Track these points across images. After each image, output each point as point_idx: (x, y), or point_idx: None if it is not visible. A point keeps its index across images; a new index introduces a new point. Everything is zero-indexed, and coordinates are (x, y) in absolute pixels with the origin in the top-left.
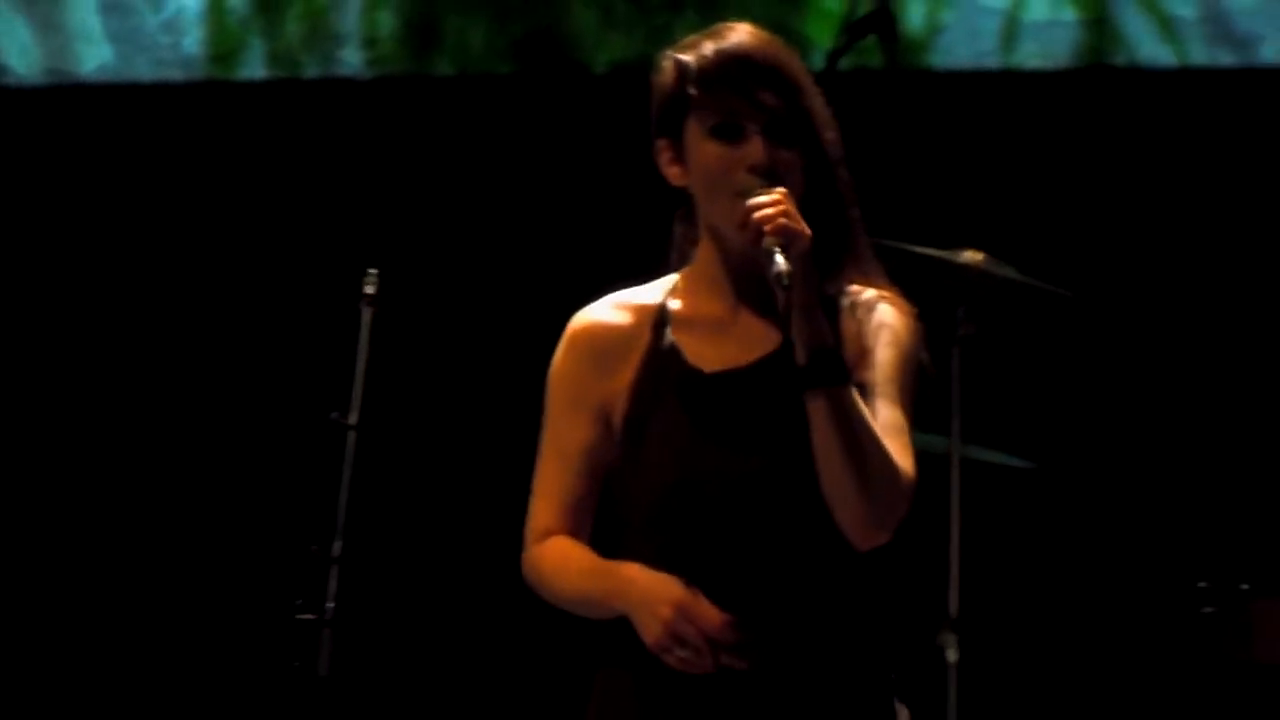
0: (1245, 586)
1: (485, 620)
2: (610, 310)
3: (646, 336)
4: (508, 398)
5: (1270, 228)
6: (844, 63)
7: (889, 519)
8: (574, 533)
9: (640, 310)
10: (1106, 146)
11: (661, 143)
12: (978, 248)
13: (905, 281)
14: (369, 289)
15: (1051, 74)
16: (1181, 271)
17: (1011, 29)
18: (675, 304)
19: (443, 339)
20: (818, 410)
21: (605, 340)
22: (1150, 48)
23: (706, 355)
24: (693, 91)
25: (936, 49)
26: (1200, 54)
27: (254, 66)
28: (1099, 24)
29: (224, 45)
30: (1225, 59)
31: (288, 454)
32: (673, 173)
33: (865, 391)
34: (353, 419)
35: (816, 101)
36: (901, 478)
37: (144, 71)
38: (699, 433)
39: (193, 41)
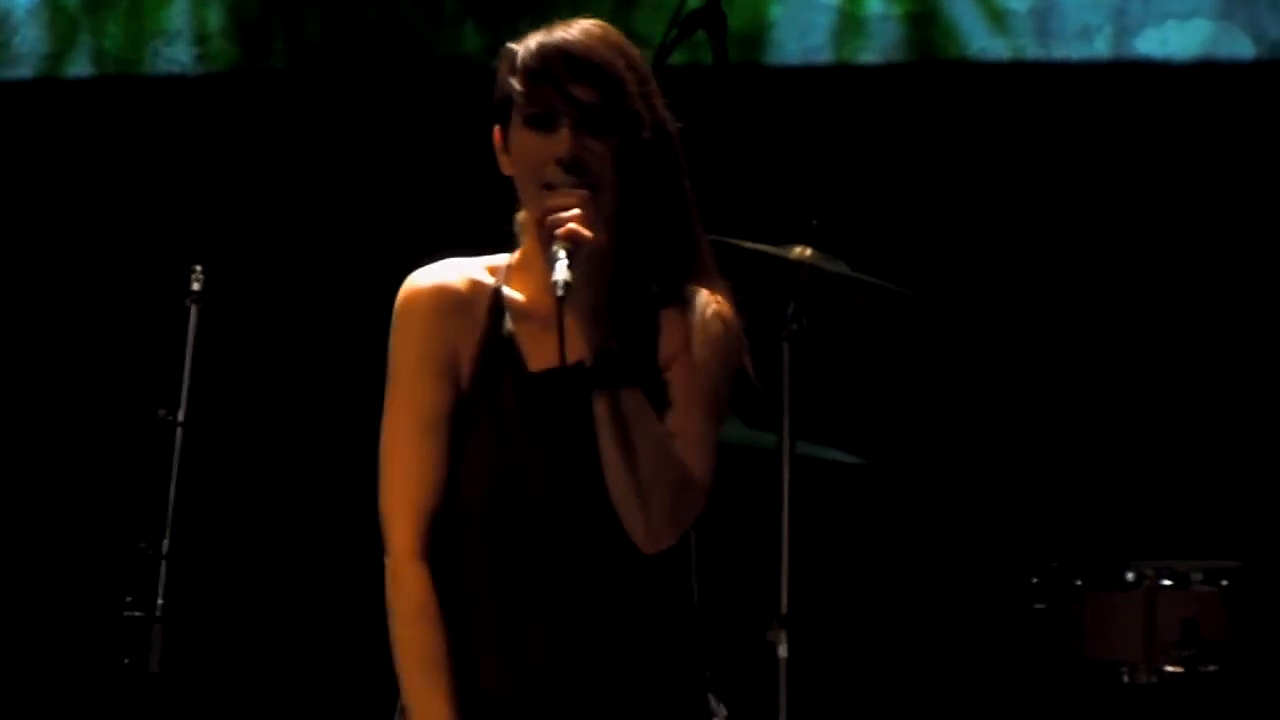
0: (1078, 582)
1: (314, 615)
2: (446, 274)
3: (483, 318)
4: (335, 393)
5: (1102, 220)
6: (676, 58)
7: (673, 523)
8: (432, 537)
9: (475, 285)
10: (938, 141)
11: (496, 131)
12: (808, 243)
13: (735, 276)
14: (195, 286)
15: (883, 68)
16: (1010, 266)
17: (843, 23)
18: (510, 291)
19: (269, 335)
20: (600, 413)
21: (447, 303)
22: (982, 41)
23: (536, 350)
24: (515, 83)
25: (768, 44)
26: (1032, 47)
27: (82, 64)
28: (930, 18)
29: (56, 43)
30: (1058, 52)
31: (116, 451)
32: (503, 161)
33: (672, 394)
34: (180, 416)
35: (641, 100)
36: (686, 484)
37: None
38: (524, 430)
39: (23, 40)
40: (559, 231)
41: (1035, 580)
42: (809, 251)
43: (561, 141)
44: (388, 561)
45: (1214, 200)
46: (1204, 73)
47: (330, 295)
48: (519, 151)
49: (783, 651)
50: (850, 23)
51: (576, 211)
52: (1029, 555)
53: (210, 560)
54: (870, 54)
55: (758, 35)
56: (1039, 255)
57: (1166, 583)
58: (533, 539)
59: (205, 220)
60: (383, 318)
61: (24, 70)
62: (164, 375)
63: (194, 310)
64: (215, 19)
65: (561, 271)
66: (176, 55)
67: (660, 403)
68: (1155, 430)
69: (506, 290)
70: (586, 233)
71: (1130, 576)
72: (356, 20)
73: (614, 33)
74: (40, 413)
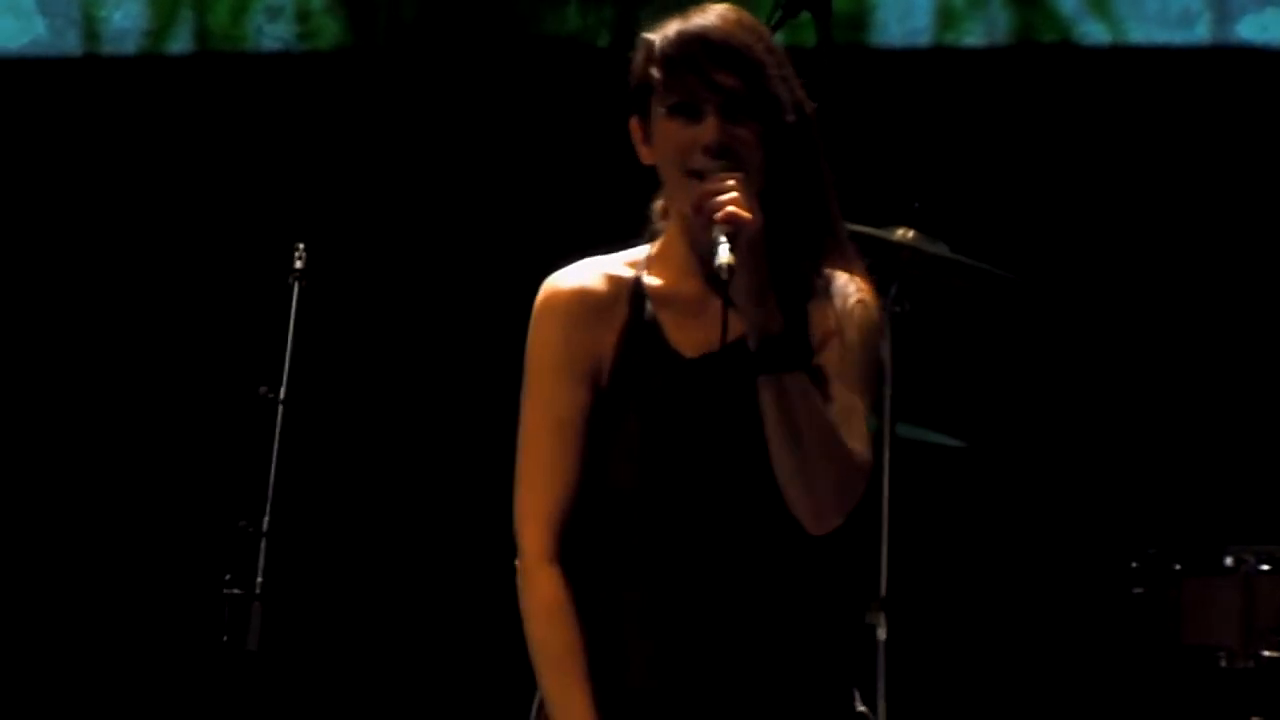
0: (1177, 567)
1: (414, 594)
2: (586, 276)
3: (624, 310)
4: (435, 371)
5: (1207, 207)
6: (779, 39)
7: (839, 503)
8: (568, 534)
9: (615, 280)
10: (1039, 124)
11: (633, 121)
12: (910, 225)
13: None
14: (297, 263)
15: (984, 51)
16: (1115, 250)
17: (945, 6)
18: (651, 279)
19: (371, 313)
20: (766, 396)
21: (586, 303)
22: (1083, 25)
23: (684, 337)
24: (654, 72)
25: (871, 26)
26: (1135, 32)
27: (184, 41)
28: (1032, 1)
29: (157, 19)
30: (1158, 37)
31: (217, 429)
32: (643, 152)
33: (827, 375)
34: (282, 394)
35: (781, 83)
36: (852, 462)
37: (74, 46)
38: (675, 416)
39: (125, 16)
40: (718, 215)
41: (1134, 565)
42: (911, 234)
43: (708, 129)
44: (519, 564)
45: None
46: None
47: (431, 274)
48: (663, 140)
49: (882, 634)
50: (952, 5)
51: (735, 195)
52: (1128, 540)
53: (310, 538)
54: (972, 37)
55: (861, 17)
56: (1139, 239)
57: (1265, 568)
58: (690, 527)
59: (307, 198)
60: (483, 296)
61: (126, 47)
62: (266, 353)
63: (296, 288)
64: None
65: (724, 254)
66: (279, 32)
67: (816, 384)
68: (1256, 415)
69: (647, 279)
70: (746, 215)
71: (1229, 561)
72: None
73: (748, 16)
74: (143, 390)
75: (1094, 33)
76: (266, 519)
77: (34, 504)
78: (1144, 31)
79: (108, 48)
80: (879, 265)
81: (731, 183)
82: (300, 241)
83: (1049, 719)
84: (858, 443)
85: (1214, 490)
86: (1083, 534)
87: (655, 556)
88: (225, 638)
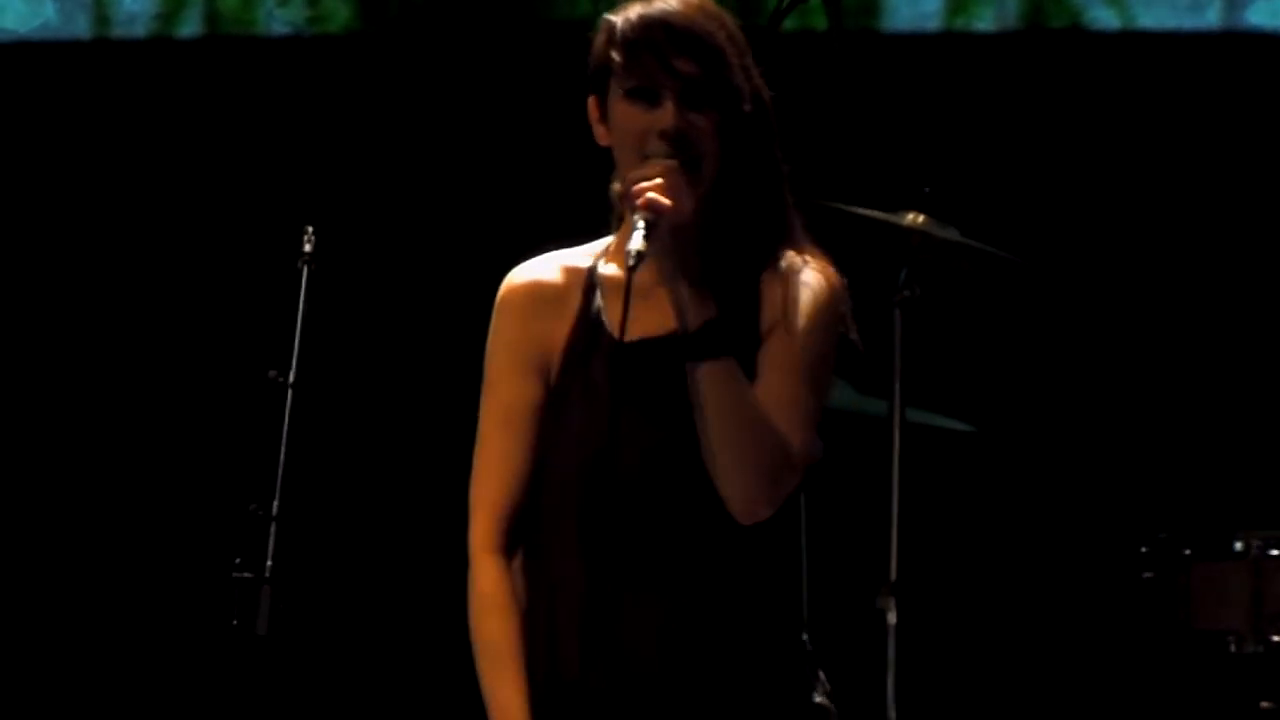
0: (1186, 552)
1: (424, 578)
2: (542, 269)
3: (577, 299)
4: (445, 354)
5: (1216, 193)
6: (788, 24)
7: (767, 494)
8: (516, 525)
9: (572, 271)
10: (1049, 110)
11: (591, 101)
12: (920, 210)
13: (847, 244)
14: (306, 247)
15: (994, 36)
16: (1125, 235)
17: None
18: (607, 268)
19: (380, 296)
20: (692, 383)
21: (539, 298)
22: (1093, 10)
23: (628, 325)
24: (614, 54)
25: (881, 11)
26: (1145, 17)
27: (194, 24)
28: None
29: (167, 3)
30: (1168, 22)
31: (226, 412)
32: (599, 132)
33: (769, 363)
34: (291, 377)
35: (741, 72)
36: (782, 453)
37: (84, 29)
38: (617, 402)
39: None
40: (638, 202)
41: (1143, 550)
42: (921, 218)
43: (665, 115)
44: (469, 554)
45: None
46: None
47: (440, 258)
48: (619, 124)
49: (892, 618)
50: None
51: (658, 181)
52: (1137, 525)
53: (319, 522)
54: (982, 22)
55: (872, 2)
56: (1149, 224)
57: (1275, 553)
58: (625, 511)
59: (317, 182)
60: (490, 279)
61: (136, 30)
62: (275, 336)
63: (305, 271)
64: None
65: (636, 242)
66: (289, 16)
67: (760, 371)
68: (1266, 400)
69: (601, 267)
70: (666, 202)
71: (1239, 546)
72: None
73: (711, 2)
74: (152, 375)
75: (1104, 18)
76: (276, 503)
77: (44, 488)
78: (1154, 16)
79: (118, 31)
80: (889, 250)
81: (660, 169)
82: (309, 225)
83: (1059, 704)
84: (793, 432)
85: (1224, 475)
86: (1092, 519)
87: (592, 544)
88: (235, 621)
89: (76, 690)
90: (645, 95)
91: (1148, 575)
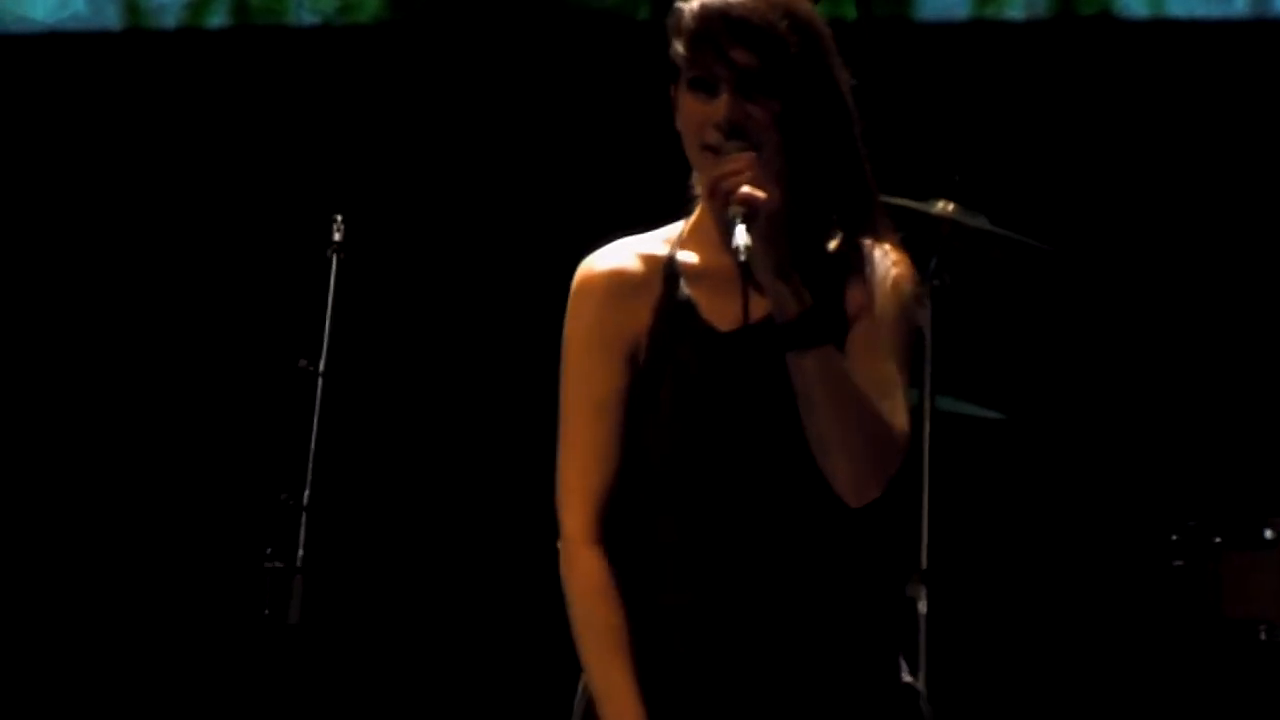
0: (1217, 540)
1: (455, 567)
2: (621, 256)
3: (658, 287)
4: (475, 342)
5: (1245, 181)
6: (819, 11)
7: (875, 476)
8: (606, 512)
9: (649, 259)
10: (1080, 98)
11: (671, 91)
12: (950, 198)
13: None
14: (336, 236)
15: (1024, 24)
16: (1154, 223)
17: None
18: (684, 256)
19: (410, 285)
20: (796, 372)
21: (621, 283)
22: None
23: (718, 312)
24: (679, 46)
25: (911, 0)
26: (1175, 5)
27: (223, 15)
28: None
29: None
30: (1198, 10)
31: (256, 402)
32: (677, 123)
33: (861, 348)
34: (321, 366)
35: (807, 59)
36: (888, 434)
37: (113, 20)
38: (715, 392)
39: None
40: (733, 196)
41: (1174, 537)
42: (951, 207)
43: (721, 105)
44: (561, 545)
45: None
46: None
47: (470, 247)
48: (683, 114)
49: (922, 607)
50: None
51: (748, 174)
52: (1168, 513)
53: (350, 511)
54: (1012, 10)
55: None
56: (1178, 212)
57: None
58: (726, 501)
59: (346, 171)
60: (520, 269)
61: (165, 21)
62: (305, 326)
63: (335, 260)
64: None
65: (741, 237)
66: (319, 6)
67: (852, 356)
68: None
69: (681, 255)
70: (760, 194)
71: (1269, 534)
72: None
73: None
74: (184, 364)
75: (1133, 6)
76: (307, 492)
77: (75, 479)
78: (1184, 5)
79: (147, 22)
80: (919, 238)
81: (744, 162)
82: (339, 214)
83: (1089, 692)
84: (894, 415)
85: (1255, 463)
86: (1122, 507)
87: (691, 532)
88: (267, 611)
89: (108, 680)
90: (704, 86)
91: (1178, 563)
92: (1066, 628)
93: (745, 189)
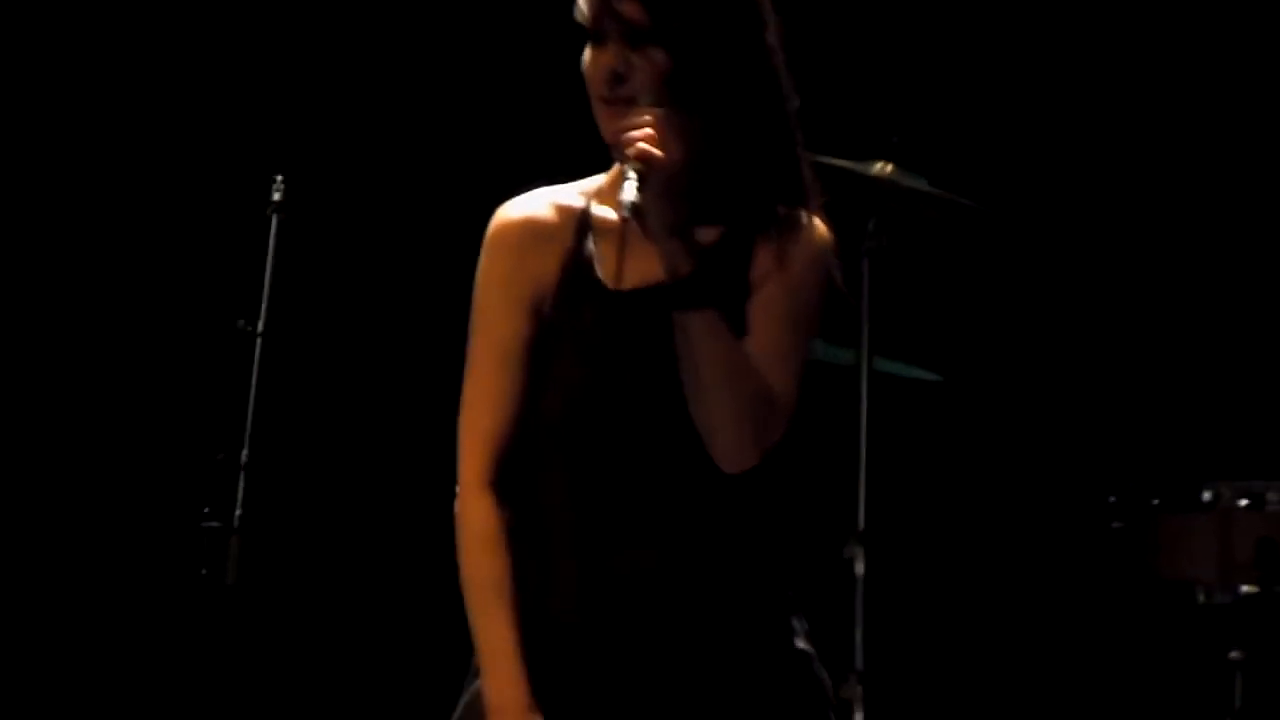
0: (1155, 502)
1: (393, 526)
2: (536, 205)
3: (569, 240)
4: (414, 303)
5: (1181, 142)
6: None
7: (752, 442)
8: (506, 462)
9: (564, 210)
10: (1019, 57)
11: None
12: (888, 159)
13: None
14: (276, 196)
15: None
16: (1093, 185)
17: None
18: (599, 210)
19: (349, 245)
20: (679, 331)
21: (533, 234)
22: None
23: (620, 270)
24: (580, 2)
25: None
26: None
27: None
28: None
29: None
30: None
31: (195, 362)
32: None
33: (760, 312)
34: (260, 326)
35: (702, 15)
36: (768, 404)
37: None
38: (603, 348)
39: None
40: (629, 151)
41: (1112, 500)
42: (889, 168)
43: (607, 54)
44: (458, 490)
45: None
46: None
47: (410, 207)
48: (585, 67)
49: (860, 568)
50: None
51: (648, 131)
52: (1106, 475)
53: (288, 471)
54: None
55: None
56: (1118, 173)
57: (1242, 503)
58: (612, 457)
59: (286, 130)
60: (460, 228)
61: None
62: (244, 286)
63: (274, 220)
64: None
65: (630, 193)
66: None
67: (750, 321)
68: (1234, 350)
69: (595, 209)
70: (657, 152)
71: (1207, 497)
72: None
73: None
74: (121, 324)
75: None
76: (245, 452)
77: (10, 439)
78: None
79: None
80: (857, 199)
81: (648, 118)
82: (279, 174)
83: (1027, 653)
84: (779, 382)
85: (1192, 426)
86: (1061, 469)
87: (580, 486)
88: (203, 570)
89: (45, 641)
90: (596, 38)
91: (1116, 525)
92: (1005, 590)
93: (641, 145)
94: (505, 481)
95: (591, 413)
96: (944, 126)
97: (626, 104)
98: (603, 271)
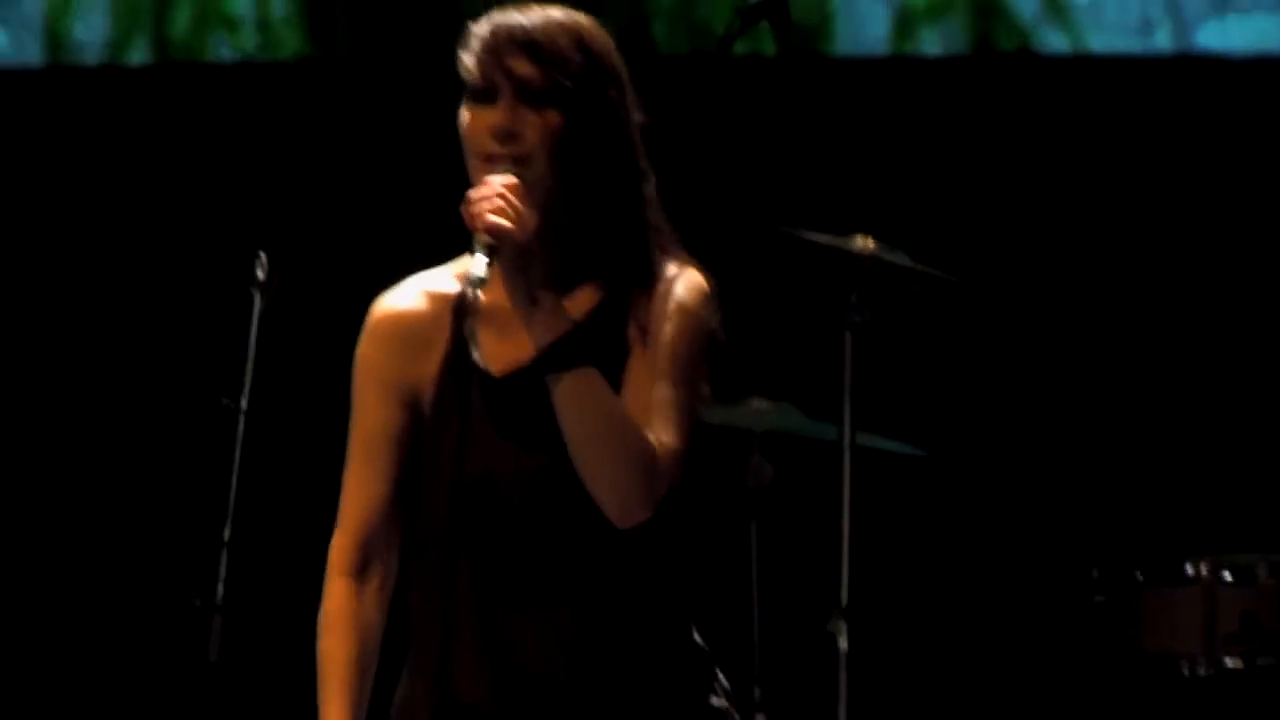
0: (1138, 576)
1: None
2: (406, 299)
3: (446, 328)
4: None
5: (1166, 217)
6: (738, 48)
7: (639, 499)
8: (372, 550)
9: (437, 298)
10: (999, 133)
11: (460, 113)
12: (870, 235)
13: (797, 268)
14: (259, 273)
15: (943, 60)
16: (1077, 259)
17: (903, 15)
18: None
19: (333, 322)
20: (554, 397)
21: (405, 332)
22: (1042, 34)
23: (497, 353)
24: (465, 59)
25: (829, 36)
26: (1095, 40)
27: (143, 52)
28: (990, 10)
29: (118, 30)
30: (1120, 45)
31: (178, 440)
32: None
33: (637, 369)
34: (243, 404)
35: (589, 81)
36: (649, 458)
37: (36, 57)
38: (490, 431)
39: (86, 27)
40: (477, 224)
41: (1095, 573)
42: (871, 243)
43: (497, 112)
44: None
45: (1277, 195)
46: (1265, 67)
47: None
48: (464, 128)
49: (843, 644)
50: (911, 14)
51: (499, 203)
52: (1089, 548)
53: (271, 549)
54: (929, 45)
55: (820, 27)
56: (1100, 248)
57: (1226, 576)
58: (508, 536)
59: (269, 208)
60: None
61: (87, 58)
62: (227, 363)
63: (258, 297)
64: (280, 6)
65: (477, 268)
66: (240, 42)
67: (627, 378)
68: (1217, 425)
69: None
70: (505, 224)
71: (1189, 570)
72: (420, 8)
73: (583, 22)
74: (105, 401)
75: (1054, 41)
76: (228, 530)
77: None
78: (1104, 40)
79: (69, 58)
80: (838, 273)
81: (499, 187)
82: (262, 250)
83: None
84: (665, 434)
85: (1175, 500)
86: (1044, 543)
87: (477, 567)
88: (186, 649)
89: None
90: (483, 96)
91: (1099, 599)
92: (988, 664)
93: (490, 217)
94: (370, 568)
95: (482, 496)
96: (926, 202)
97: (515, 162)
98: (480, 354)
